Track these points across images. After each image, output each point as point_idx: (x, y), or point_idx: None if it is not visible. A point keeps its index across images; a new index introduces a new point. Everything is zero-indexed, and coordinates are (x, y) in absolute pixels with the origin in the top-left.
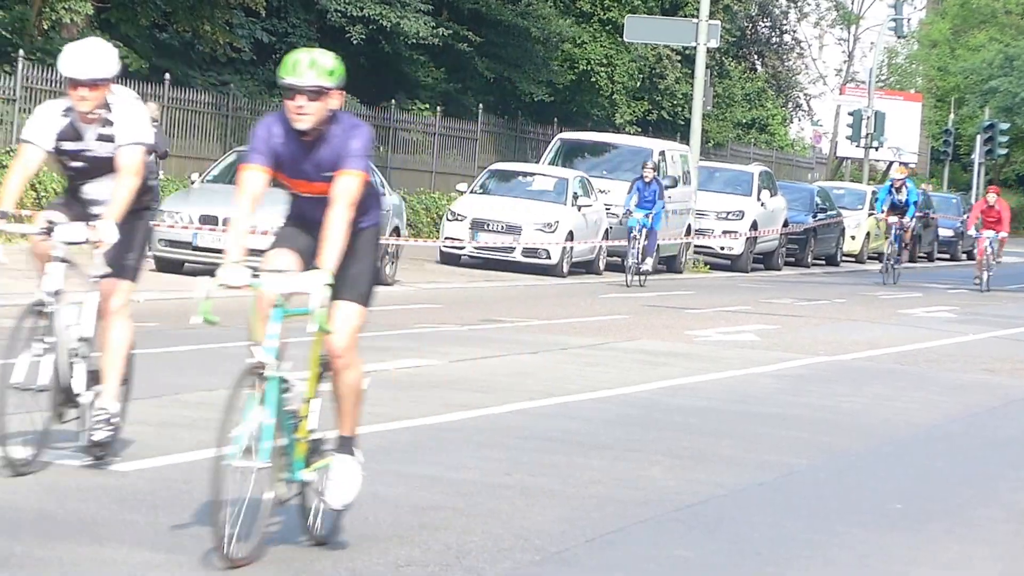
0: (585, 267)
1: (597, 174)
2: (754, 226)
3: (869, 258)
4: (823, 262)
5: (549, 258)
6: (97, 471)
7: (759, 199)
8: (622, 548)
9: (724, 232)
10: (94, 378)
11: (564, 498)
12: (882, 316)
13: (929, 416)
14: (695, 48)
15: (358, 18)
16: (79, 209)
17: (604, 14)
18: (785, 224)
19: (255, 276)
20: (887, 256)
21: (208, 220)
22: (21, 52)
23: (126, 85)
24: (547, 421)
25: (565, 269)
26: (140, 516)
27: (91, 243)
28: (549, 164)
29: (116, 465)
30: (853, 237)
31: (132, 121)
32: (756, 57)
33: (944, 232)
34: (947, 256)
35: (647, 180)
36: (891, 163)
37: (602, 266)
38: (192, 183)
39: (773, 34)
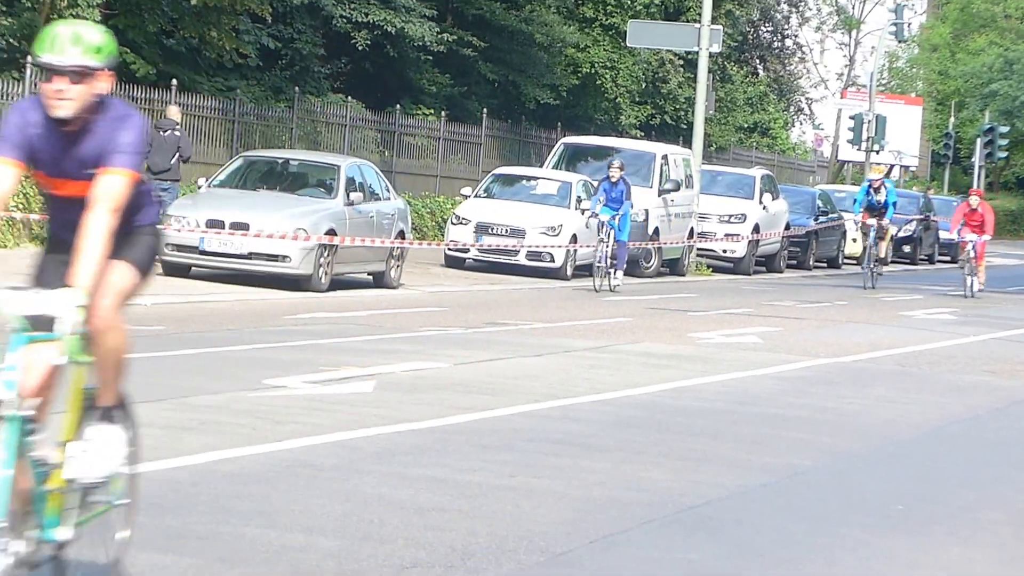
0: (588, 270)
1: (600, 178)
2: (756, 229)
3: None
4: (825, 265)
5: (553, 261)
6: None
7: (761, 202)
8: (625, 549)
9: (726, 235)
10: None
11: (568, 500)
12: (883, 318)
13: (931, 418)
14: (697, 53)
15: (363, 23)
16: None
17: (606, 19)
18: (787, 227)
19: None
20: (866, 259)
21: (215, 224)
22: (29, 59)
23: (133, 91)
24: (551, 423)
25: (569, 272)
26: (147, 519)
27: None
28: (553, 168)
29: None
30: (855, 240)
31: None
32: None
33: (945, 235)
34: (948, 259)
35: (613, 180)
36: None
37: None
38: (199, 188)
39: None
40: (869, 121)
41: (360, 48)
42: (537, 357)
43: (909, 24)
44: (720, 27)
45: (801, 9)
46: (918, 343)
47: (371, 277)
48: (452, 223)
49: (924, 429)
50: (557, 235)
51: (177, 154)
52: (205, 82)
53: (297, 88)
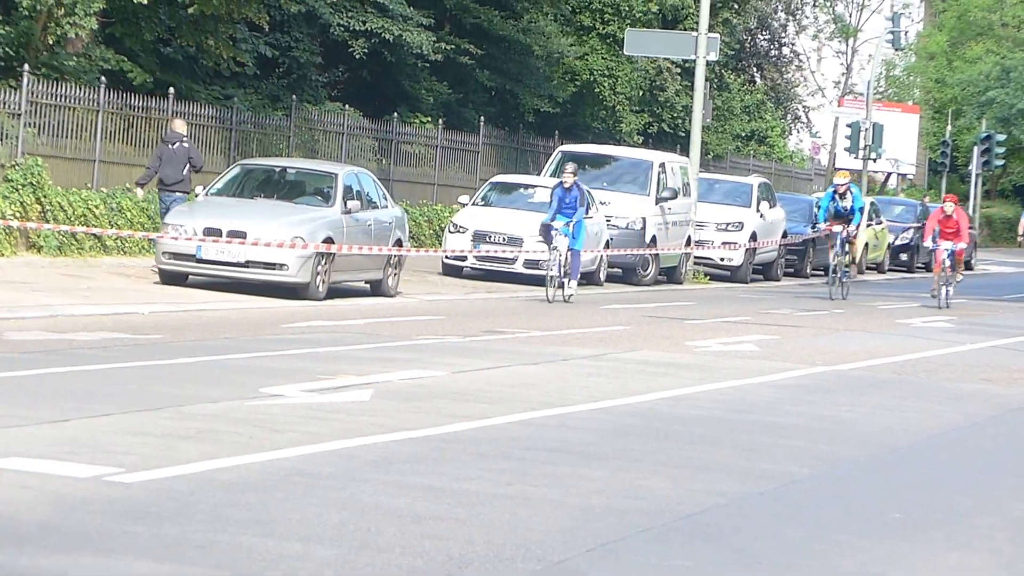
0: (586, 278)
1: (598, 186)
2: (753, 237)
3: (867, 268)
4: (822, 273)
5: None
6: (102, 483)
7: (758, 210)
8: (623, 558)
9: (723, 243)
10: None
11: (565, 508)
12: (880, 326)
13: (928, 425)
14: (694, 61)
15: (360, 32)
16: None
17: (604, 28)
18: (784, 235)
19: None
20: (833, 268)
21: (212, 232)
22: (26, 67)
23: (131, 99)
24: (548, 431)
25: None
26: (144, 528)
27: None
28: (550, 176)
29: (120, 477)
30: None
31: None
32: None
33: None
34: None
35: (567, 187)
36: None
37: (603, 277)
38: (196, 196)
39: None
40: (866, 129)
41: (357, 56)
42: (534, 365)
43: (906, 32)
44: (717, 35)
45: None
46: (915, 351)
47: (368, 285)
48: (449, 231)
49: (921, 437)
50: None
51: (188, 165)
52: (202, 90)
53: (294, 96)
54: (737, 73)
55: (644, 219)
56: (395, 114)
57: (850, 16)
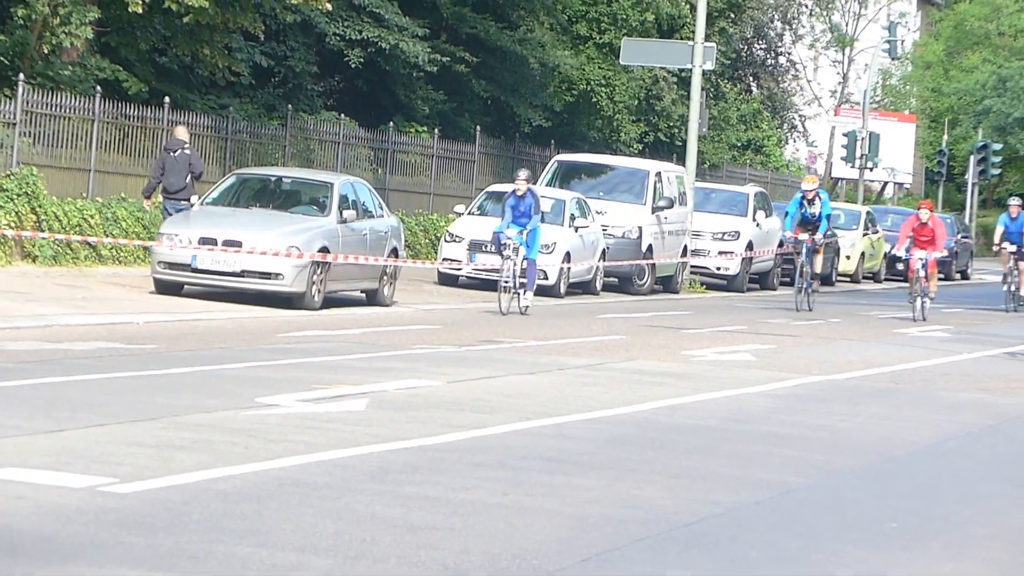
0: (582, 288)
1: (594, 195)
2: (750, 246)
3: (864, 278)
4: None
5: (546, 279)
6: (96, 493)
7: (755, 220)
8: (619, 567)
9: (720, 252)
10: None
11: (561, 518)
12: (877, 335)
13: (925, 435)
14: (691, 70)
15: (356, 41)
16: None
17: (600, 37)
18: (780, 244)
19: None
20: (798, 278)
21: (207, 242)
22: (21, 76)
23: (126, 109)
24: (544, 441)
25: (562, 290)
26: (139, 538)
27: None
28: (546, 185)
29: (115, 487)
30: (848, 257)
31: None
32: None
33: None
34: (941, 276)
35: (520, 194)
36: (885, 183)
37: (599, 287)
38: (191, 205)
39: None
40: (862, 138)
41: (353, 66)
42: (531, 375)
43: (902, 42)
44: (713, 45)
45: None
46: (912, 360)
47: (364, 295)
48: (445, 241)
49: (918, 446)
50: (551, 253)
51: (189, 172)
52: (198, 100)
53: (290, 106)
54: (733, 82)
55: (640, 228)
56: (391, 123)
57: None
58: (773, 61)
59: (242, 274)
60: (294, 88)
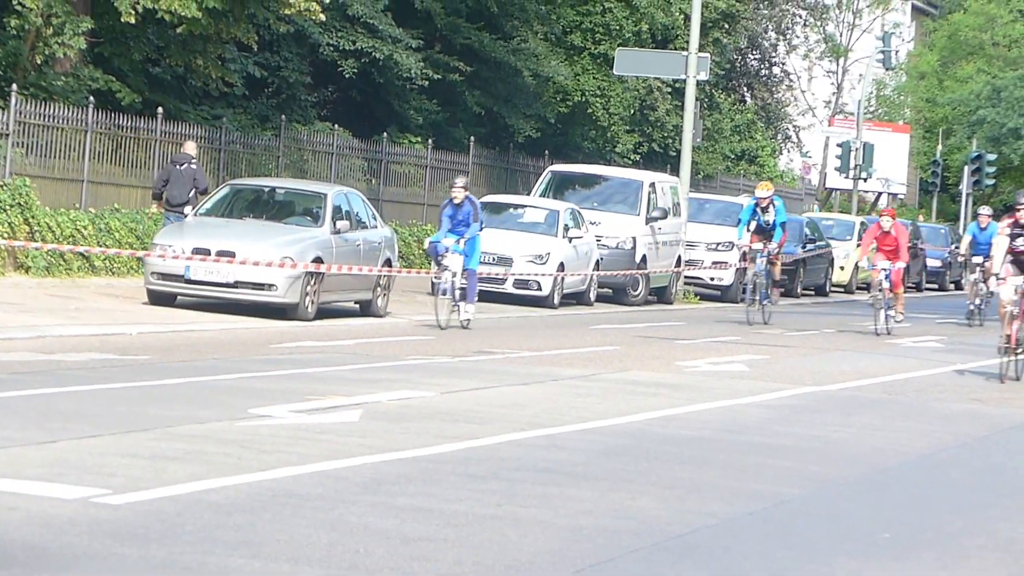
0: (576, 298)
1: (588, 206)
2: (744, 257)
3: (858, 288)
4: (812, 293)
5: (540, 289)
6: (89, 504)
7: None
8: None
9: (714, 263)
10: None
11: (555, 529)
12: (870, 346)
13: (918, 445)
14: (685, 81)
15: (350, 52)
16: None
17: (595, 48)
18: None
19: None
20: (751, 290)
21: (201, 252)
22: (14, 87)
23: (119, 119)
24: (538, 452)
25: (556, 300)
26: (132, 549)
27: None
28: (540, 196)
29: (108, 498)
30: (842, 268)
31: None
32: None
33: (932, 263)
34: (935, 286)
35: (457, 202)
36: (879, 194)
37: (593, 297)
38: (185, 216)
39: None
40: (857, 149)
41: (347, 76)
42: (524, 386)
43: (897, 52)
44: (707, 55)
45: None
46: (905, 371)
47: (358, 306)
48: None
49: (911, 457)
50: (544, 263)
51: (193, 187)
52: (191, 110)
53: (284, 116)
54: (727, 93)
55: (634, 239)
56: (384, 134)
57: (841, 36)
58: (767, 71)
59: (235, 285)
60: (287, 99)
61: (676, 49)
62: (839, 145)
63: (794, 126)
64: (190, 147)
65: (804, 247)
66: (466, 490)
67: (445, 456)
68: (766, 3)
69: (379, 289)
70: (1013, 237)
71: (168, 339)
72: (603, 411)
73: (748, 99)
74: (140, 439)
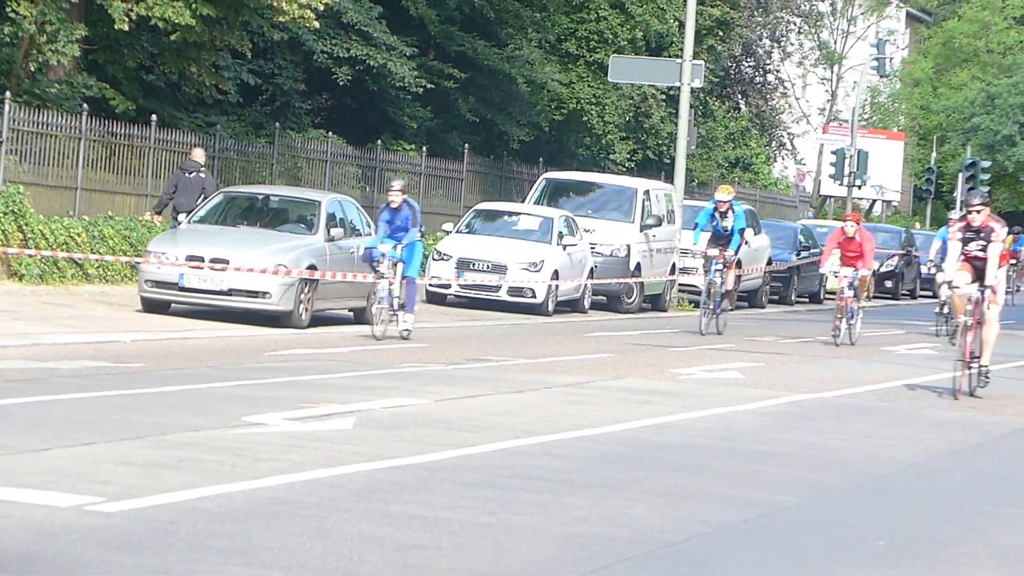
0: (570, 306)
1: (582, 213)
2: (738, 264)
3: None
4: (806, 300)
5: (535, 297)
6: (82, 512)
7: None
8: None
9: None
10: None
11: (549, 537)
12: (864, 353)
13: (912, 453)
14: (679, 88)
15: (344, 59)
16: None
17: (590, 55)
18: (769, 262)
19: None
20: (705, 298)
21: (195, 260)
22: (8, 94)
23: (113, 126)
24: (532, 460)
25: (550, 308)
26: (126, 557)
27: None
28: (534, 203)
29: (102, 506)
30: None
31: None
32: (740, 96)
33: (926, 270)
34: (930, 294)
35: (395, 206)
36: (874, 201)
37: (587, 305)
38: (179, 223)
39: (757, 74)
40: (851, 156)
41: (341, 83)
42: (518, 393)
43: (891, 59)
44: (702, 63)
45: (783, 44)
46: (899, 378)
47: (352, 313)
48: (433, 259)
49: (906, 464)
50: (539, 271)
51: (203, 195)
52: (185, 118)
53: (278, 124)
54: (722, 100)
55: (628, 246)
56: (379, 141)
57: (835, 43)
58: (761, 79)
59: (229, 292)
60: (281, 106)
61: (670, 56)
62: (833, 152)
63: (788, 133)
64: (198, 154)
65: (798, 254)
66: (460, 498)
67: (439, 464)
68: (760, 10)
69: (373, 297)
70: (965, 241)
71: (162, 347)
72: (597, 419)
73: (742, 106)
74: (134, 447)
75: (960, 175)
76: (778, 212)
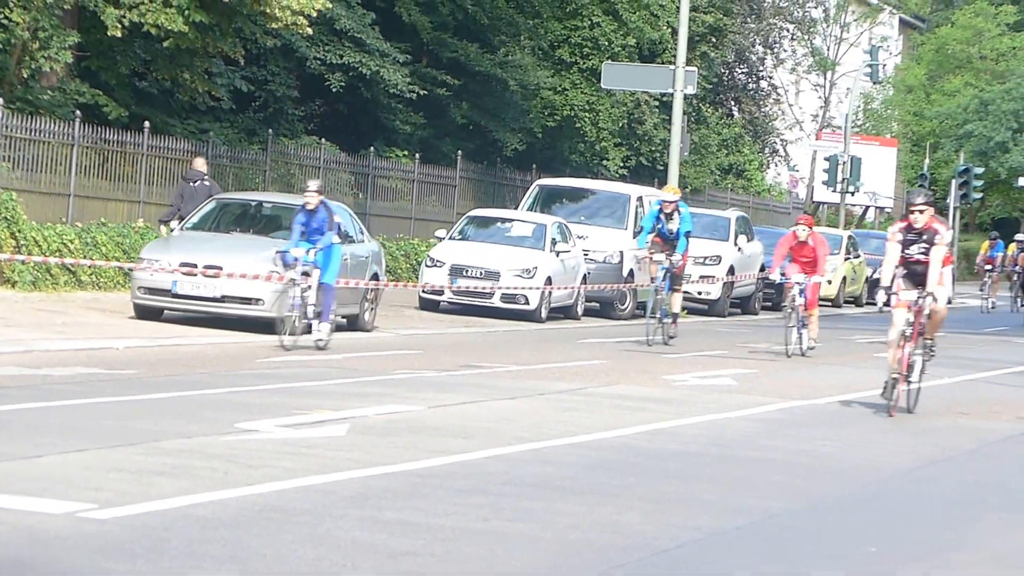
0: (564, 312)
1: (576, 220)
2: (731, 271)
3: (845, 302)
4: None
5: (528, 303)
6: (75, 519)
7: (736, 244)
8: None
9: (701, 277)
10: None
11: (542, 543)
12: (857, 359)
13: (905, 459)
14: (672, 95)
15: (337, 66)
16: None
17: (584, 62)
18: (762, 269)
19: None
20: (651, 305)
21: (188, 266)
22: (1, 100)
23: (105, 133)
24: (525, 466)
25: (543, 314)
26: (119, 564)
27: None
28: (527, 210)
29: (95, 513)
30: (829, 282)
31: None
32: (733, 103)
33: None
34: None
35: (311, 208)
36: (867, 208)
37: (580, 311)
38: (172, 230)
39: (750, 80)
40: (844, 162)
41: (334, 90)
42: (511, 400)
43: (884, 66)
44: (695, 69)
45: (776, 51)
46: None
47: (345, 320)
48: (426, 265)
49: (898, 471)
50: (532, 277)
51: None
52: (178, 124)
53: (271, 130)
54: (715, 107)
55: (622, 253)
56: (372, 148)
57: (828, 49)
58: (755, 85)
59: (222, 299)
60: (274, 112)
61: (664, 63)
62: (826, 159)
63: (781, 140)
64: (200, 163)
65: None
66: (453, 504)
67: (432, 470)
68: (753, 17)
69: (366, 303)
70: (906, 244)
71: (155, 353)
72: (590, 425)
73: (736, 113)
74: (127, 453)
75: (953, 181)
76: (771, 219)
